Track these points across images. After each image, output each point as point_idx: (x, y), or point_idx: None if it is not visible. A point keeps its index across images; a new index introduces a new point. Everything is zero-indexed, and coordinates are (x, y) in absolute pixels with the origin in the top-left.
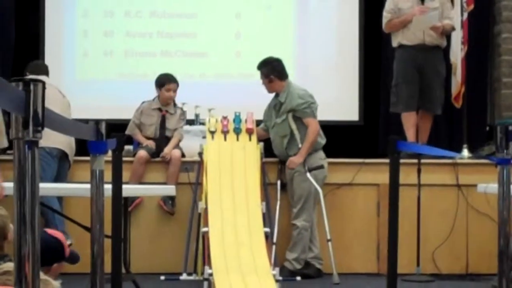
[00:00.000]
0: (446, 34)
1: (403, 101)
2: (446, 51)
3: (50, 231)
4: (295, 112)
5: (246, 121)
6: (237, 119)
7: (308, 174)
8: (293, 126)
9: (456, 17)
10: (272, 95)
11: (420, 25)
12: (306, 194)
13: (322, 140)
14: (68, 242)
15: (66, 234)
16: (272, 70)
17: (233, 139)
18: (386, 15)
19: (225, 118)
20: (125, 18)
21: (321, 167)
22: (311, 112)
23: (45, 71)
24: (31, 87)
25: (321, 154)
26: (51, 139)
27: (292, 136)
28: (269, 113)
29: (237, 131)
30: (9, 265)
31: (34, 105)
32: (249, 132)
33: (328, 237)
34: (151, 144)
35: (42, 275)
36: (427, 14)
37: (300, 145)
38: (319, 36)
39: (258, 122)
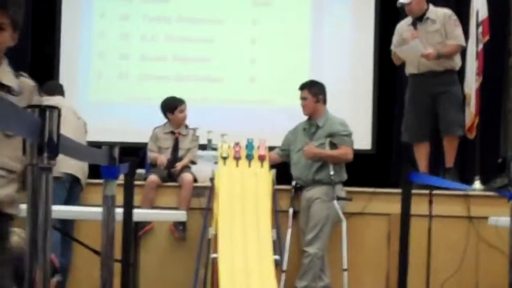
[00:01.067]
0: (450, 55)
1: (410, 130)
2: (461, 72)
3: None
4: (333, 138)
5: (258, 147)
6: (250, 145)
7: (336, 202)
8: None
9: (471, 47)
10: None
11: (408, 56)
12: (323, 222)
13: (345, 175)
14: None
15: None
16: (322, 91)
17: (245, 165)
18: (392, 49)
19: (237, 144)
20: (140, 42)
21: (350, 199)
22: (350, 142)
23: (60, 91)
24: (47, 113)
25: (342, 186)
26: (61, 164)
27: (325, 162)
28: (294, 137)
29: (249, 158)
30: None
31: (49, 132)
32: (261, 159)
33: (345, 267)
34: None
35: None
36: (408, 44)
37: (332, 173)
38: (333, 63)
39: (271, 149)
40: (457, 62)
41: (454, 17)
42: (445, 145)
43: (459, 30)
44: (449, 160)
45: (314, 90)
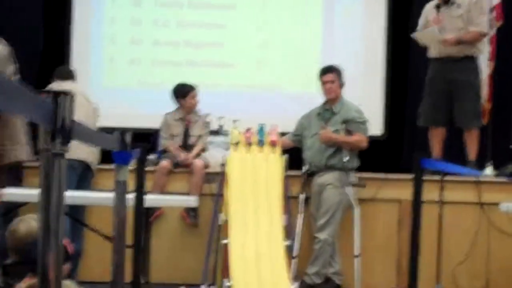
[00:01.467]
0: (471, 42)
1: (425, 114)
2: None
3: None
4: (349, 125)
5: (269, 133)
6: (261, 131)
7: (349, 189)
8: None
9: (487, 24)
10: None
11: (426, 41)
12: (334, 208)
13: (358, 162)
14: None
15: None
16: (342, 77)
17: (256, 151)
18: (417, 31)
19: (248, 130)
20: (152, 27)
21: (363, 185)
22: (365, 130)
23: (72, 76)
24: (60, 99)
25: (354, 172)
26: (72, 150)
27: (339, 148)
28: (308, 122)
29: (261, 143)
30: (33, 280)
31: (62, 118)
32: (273, 144)
33: (356, 253)
34: (185, 156)
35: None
36: (425, 30)
37: (346, 159)
38: (344, 48)
39: (282, 135)
40: (479, 48)
41: (481, 3)
42: (466, 138)
43: (483, 17)
44: (471, 152)
45: (339, 74)
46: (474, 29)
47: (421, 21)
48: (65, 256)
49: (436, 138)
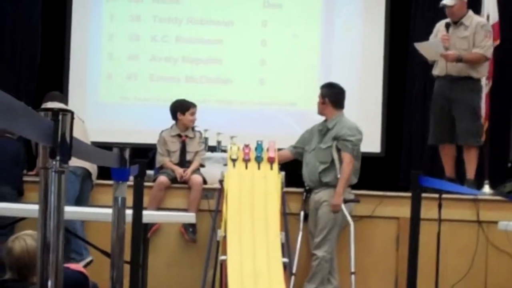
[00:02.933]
0: (472, 63)
1: (431, 132)
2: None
3: (72, 266)
4: (338, 142)
5: (268, 149)
6: (259, 147)
7: (343, 206)
8: (335, 155)
9: (491, 49)
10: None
11: (427, 53)
12: (331, 224)
13: (355, 179)
14: (89, 258)
15: (87, 250)
16: (330, 95)
17: (254, 167)
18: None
19: (247, 146)
20: (150, 43)
21: (357, 201)
22: (351, 149)
23: (63, 100)
24: (60, 117)
25: (349, 188)
26: (73, 160)
27: (331, 165)
28: (310, 137)
29: (259, 160)
30: None
31: (62, 135)
32: (271, 161)
33: (352, 270)
34: (183, 172)
35: None
36: (428, 41)
37: (339, 175)
38: (343, 65)
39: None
40: (480, 72)
41: (487, 27)
42: (464, 156)
43: (488, 41)
44: (469, 171)
45: (323, 92)
46: (478, 51)
47: (431, 37)
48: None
49: (445, 156)
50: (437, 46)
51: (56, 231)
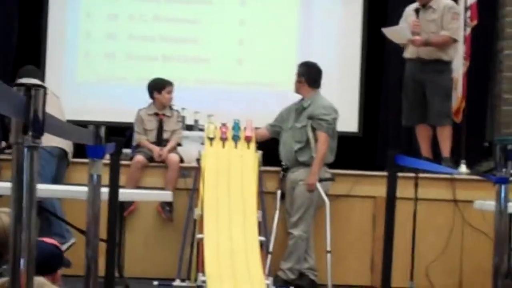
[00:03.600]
0: (440, 45)
1: (404, 114)
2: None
3: (46, 239)
4: (313, 121)
5: (245, 128)
6: (236, 126)
7: (318, 185)
8: (310, 134)
9: (459, 30)
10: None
11: (394, 38)
12: (307, 203)
13: (331, 158)
14: (72, 241)
15: (69, 232)
16: (306, 73)
17: (231, 146)
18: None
19: (224, 125)
20: (128, 21)
21: (332, 179)
22: (326, 128)
23: (37, 75)
24: (32, 92)
25: (326, 167)
26: (51, 138)
27: (307, 144)
28: (287, 115)
29: (236, 139)
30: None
31: (34, 111)
32: (248, 140)
33: (328, 249)
34: (160, 151)
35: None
36: (395, 27)
37: (314, 154)
38: (321, 46)
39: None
40: (449, 54)
41: (454, 9)
42: (438, 135)
43: (455, 23)
44: (444, 149)
45: (299, 70)
46: (445, 33)
47: (400, 22)
48: (59, 260)
49: (421, 136)
50: (404, 32)
51: (29, 207)
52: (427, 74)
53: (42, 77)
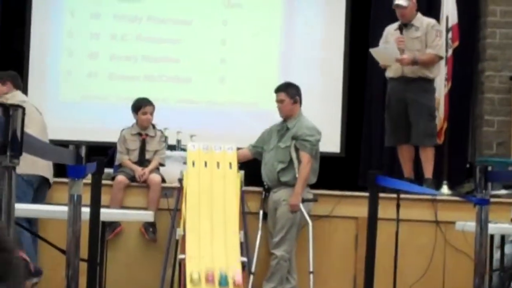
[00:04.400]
0: (426, 64)
1: (387, 134)
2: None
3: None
4: (297, 141)
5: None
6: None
7: (301, 205)
8: (294, 155)
9: (443, 48)
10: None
11: (381, 58)
12: (290, 224)
13: (314, 179)
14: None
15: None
16: (298, 93)
17: (213, 166)
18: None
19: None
20: (110, 41)
21: (315, 200)
22: (310, 149)
23: (19, 86)
24: (11, 112)
25: (308, 188)
26: (29, 165)
27: (290, 164)
28: (269, 136)
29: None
30: None
31: (12, 131)
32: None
33: (311, 269)
34: (141, 171)
35: None
36: (383, 47)
37: (297, 175)
38: (304, 65)
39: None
40: (434, 72)
41: (437, 27)
42: (421, 156)
43: (439, 41)
44: (426, 170)
45: (291, 92)
46: (431, 51)
47: (381, 42)
48: (27, 273)
49: (404, 157)
50: (392, 51)
51: (7, 224)
52: (411, 93)
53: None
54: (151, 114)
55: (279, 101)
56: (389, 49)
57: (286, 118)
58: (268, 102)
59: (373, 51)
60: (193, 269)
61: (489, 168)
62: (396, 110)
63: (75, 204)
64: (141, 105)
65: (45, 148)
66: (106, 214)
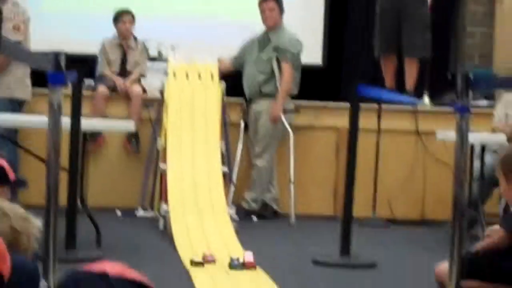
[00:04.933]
0: None
1: (377, 44)
2: None
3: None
4: (278, 53)
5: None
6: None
7: (282, 116)
8: (275, 66)
9: None
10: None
11: None
12: (270, 134)
13: (295, 90)
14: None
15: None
16: (281, 3)
17: (195, 78)
18: None
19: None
20: None
21: (297, 111)
22: (290, 59)
23: None
24: None
25: (289, 99)
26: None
27: (271, 75)
28: (250, 48)
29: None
30: None
31: None
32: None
33: (291, 179)
34: (122, 83)
35: (23, 213)
36: None
37: (278, 85)
38: None
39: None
40: None
41: None
42: (406, 67)
43: None
44: (409, 82)
45: (280, 1)
46: None
47: None
48: (3, 178)
49: (387, 68)
50: None
51: None
52: (408, 3)
53: None
54: (130, 23)
55: (270, 9)
56: None
57: (271, 28)
58: (250, 14)
59: None
60: (174, 180)
61: (471, 76)
62: (390, 20)
63: (55, 111)
64: (118, 15)
65: (22, 52)
66: (87, 124)
